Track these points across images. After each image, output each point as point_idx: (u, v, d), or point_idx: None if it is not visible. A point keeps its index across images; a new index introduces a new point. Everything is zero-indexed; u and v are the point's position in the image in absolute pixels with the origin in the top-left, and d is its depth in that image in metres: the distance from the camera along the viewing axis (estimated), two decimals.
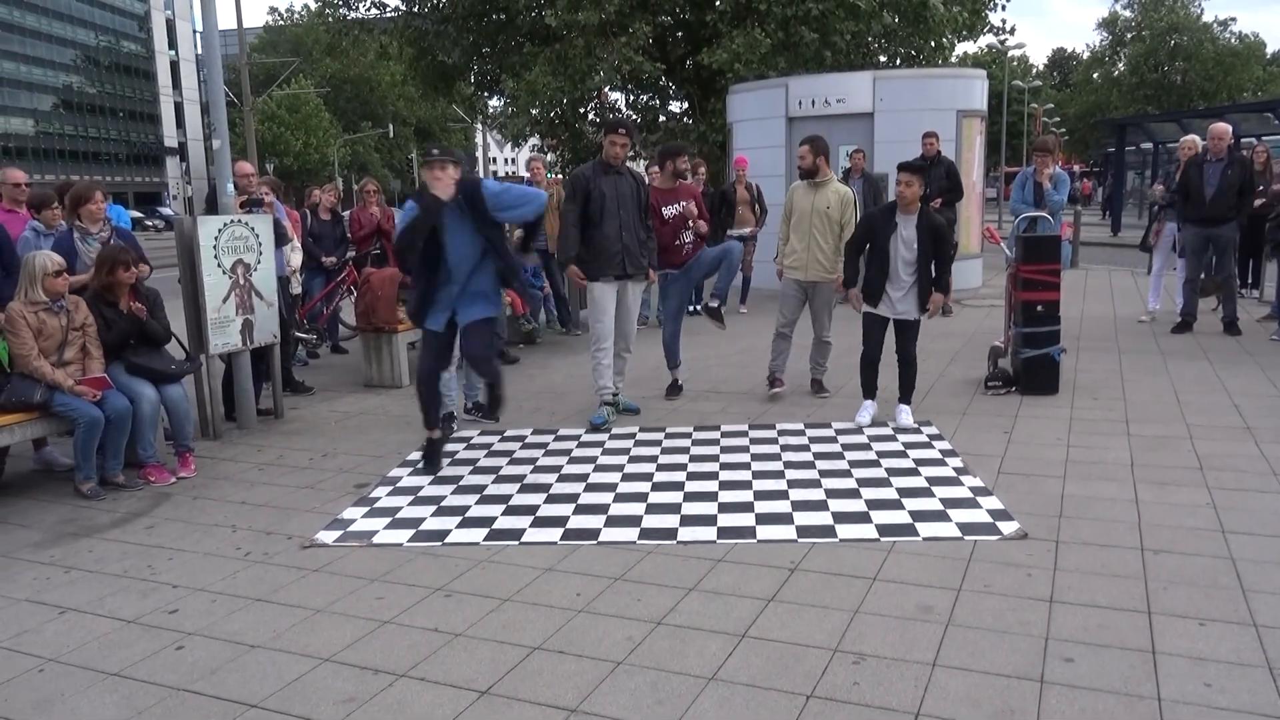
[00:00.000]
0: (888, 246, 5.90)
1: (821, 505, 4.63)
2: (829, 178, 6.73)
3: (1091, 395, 6.66)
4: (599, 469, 5.38)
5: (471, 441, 6.08)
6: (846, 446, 5.63)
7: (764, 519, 4.47)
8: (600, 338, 6.35)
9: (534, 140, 21.99)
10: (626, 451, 5.71)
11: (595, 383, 6.41)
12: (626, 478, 5.19)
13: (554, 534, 4.39)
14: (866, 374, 6.21)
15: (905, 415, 6.07)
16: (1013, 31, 21.65)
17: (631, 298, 6.53)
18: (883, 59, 19.71)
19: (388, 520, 4.67)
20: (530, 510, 4.73)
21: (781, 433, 5.99)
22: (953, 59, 21.16)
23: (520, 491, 5.03)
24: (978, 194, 13.21)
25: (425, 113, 65.16)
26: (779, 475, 5.13)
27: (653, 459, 5.53)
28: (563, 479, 5.22)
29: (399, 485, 5.23)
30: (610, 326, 6.38)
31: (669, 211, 6.79)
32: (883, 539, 4.17)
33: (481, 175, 5.93)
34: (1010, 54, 43.67)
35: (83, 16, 70.32)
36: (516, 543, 4.31)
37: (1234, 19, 78.07)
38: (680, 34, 19.45)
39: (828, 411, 6.45)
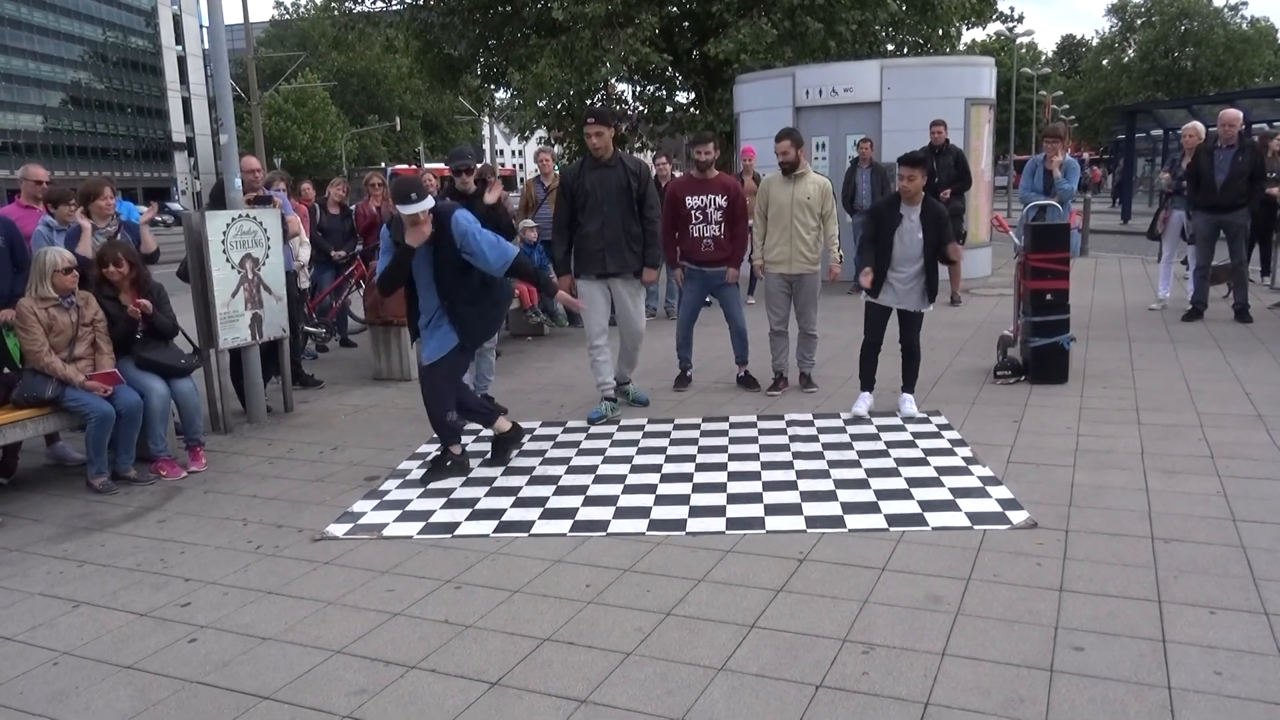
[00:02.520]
0: (892, 238, 5.91)
1: (830, 495, 4.63)
2: (805, 169, 6.63)
3: (1101, 384, 6.63)
4: (607, 460, 5.38)
5: (480, 434, 6.09)
6: (855, 437, 5.63)
7: (773, 510, 4.47)
8: (593, 335, 6.32)
9: (541, 132, 21.98)
10: (635, 443, 5.71)
11: (595, 379, 6.43)
12: (635, 469, 5.20)
13: (563, 526, 4.40)
14: (866, 364, 6.21)
15: (909, 404, 6.08)
16: (1021, 19, 21.73)
17: (627, 297, 6.38)
18: (890, 47, 19.63)
19: (398, 513, 4.69)
20: (539, 502, 4.74)
21: (790, 423, 5.99)
22: (960, 47, 21.05)
23: (529, 484, 5.04)
24: (986, 182, 13.15)
25: (432, 105, 65.17)
26: (788, 466, 5.13)
27: (661, 450, 5.53)
28: (571, 471, 5.23)
29: (409, 478, 5.25)
30: (600, 323, 6.32)
31: (691, 203, 6.70)
32: (892, 529, 4.17)
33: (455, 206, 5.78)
34: (1019, 41, 43.40)
35: (90, 13, 70.46)
36: (526, 535, 4.32)
37: (1245, 3, 77.28)
38: (687, 24, 19.39)
39: (836, 402, 6.44)
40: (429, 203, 4.87)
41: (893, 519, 4.28)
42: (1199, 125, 9.54)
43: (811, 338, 6.84)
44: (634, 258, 6.26)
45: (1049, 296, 6.69)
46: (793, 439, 5.64)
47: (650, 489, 4.86)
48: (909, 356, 6.11)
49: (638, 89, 21.22)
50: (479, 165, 6.93)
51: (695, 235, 6.74)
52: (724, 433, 5.85)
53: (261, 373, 6.64)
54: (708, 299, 7.28)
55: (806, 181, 6.58)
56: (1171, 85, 57.56)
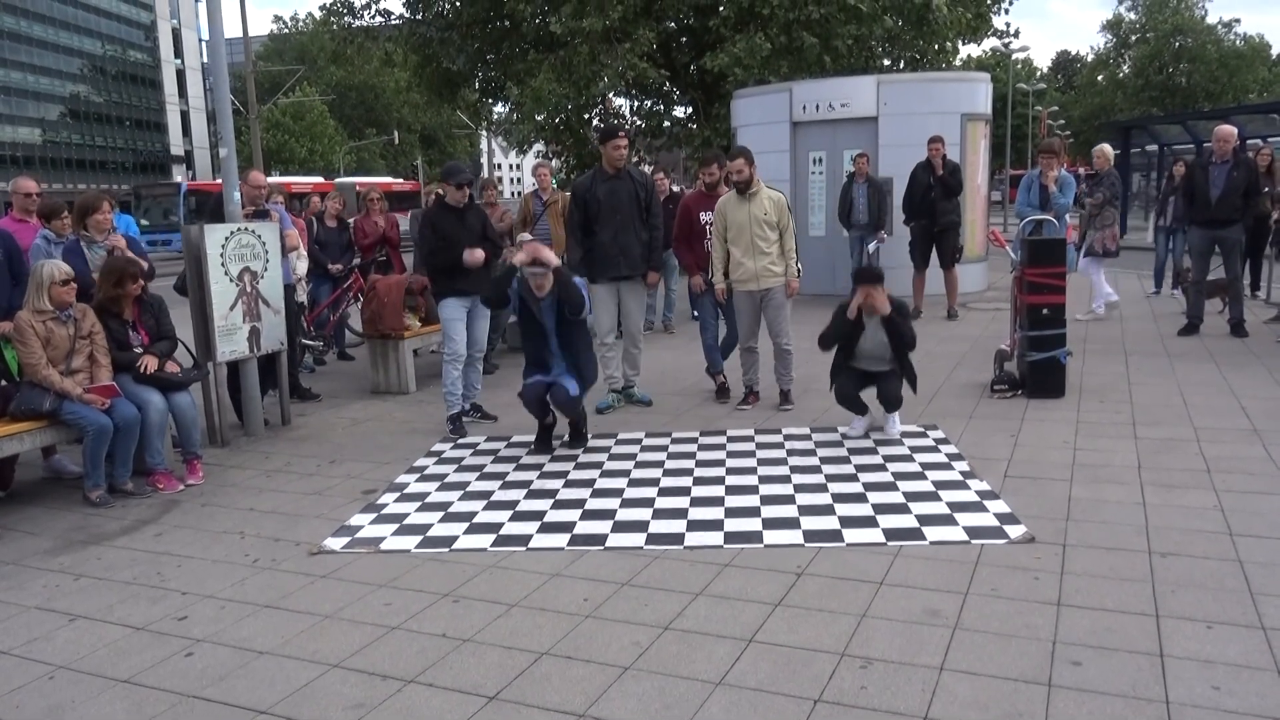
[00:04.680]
0: (854, 346, 5.92)
1: (828, 510, 4.63)
2: (759, 186, 6.58)
3: (1098, 398, 6.65)
4: (605, 474, 5.38)
5: (478, 447, 6.09)
6: (853, 451, 5.63)
7: (770, 524, 4.47)
8: (602, 333, 6.87)
9: (539, 146, 22.06)
10: (633, 456, 5.71)
11: (602, 372, 6.70)
12: (633, 483, 5.20)
13: (561, 539, 4.40)
14: (847, 406, 6.00)
15: (895, 425, 5.92)
16: (1017, 33, 21.72)
17: (632, 299, 6.90)
18: (886, 63, 19.73)
19: (395, 526, 4.68)
20: (537, 516, 4.74)
21: (787, 437, 5.99)
22: (956, 62, 21.16)
23: (527, 497, 5.04)
24: (982, 197, 13.20)
25: (430, 119, 65.29)
26: (785, 480, 5.13)
27: (659, 464, 5.54)
28: (569, 484, 5.23)
29: (406, 491, 5.24)
30: (609, 323, 6.89)
31: (705, 219, 7.01)
32: (889, 543, 4.17)
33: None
34: (1014, 57, 43.64)
35: (89, 26, 70.58)
36: (524, 548, 4.32)
37: (1238, 20, 78.08)
38: (684, 39, 19.50)
39: (833, 416, 6.44)
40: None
41: (890, 533, 4.28)
42: (1106, 148, 10.36)
43: (786, 352, 6.68)
44: (643, 262, 6.82)
45: (1045, 311, 6.71)
46: (790, 453, 5.64)
47: (648, 503, 4.86)
48: (889, 405, 5.93)
49: (635, 103, 21.32)
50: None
51: (708, 249, 7.01)
52: (721, 446, 5.85)
53: (259, 386, 6.64)
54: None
55: (762, 198, 6.54)
56: (1166, 101, 57.88)
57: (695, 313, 7.56)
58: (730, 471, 5.32)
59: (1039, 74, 67.82)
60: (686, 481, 5.18)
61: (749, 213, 6.53)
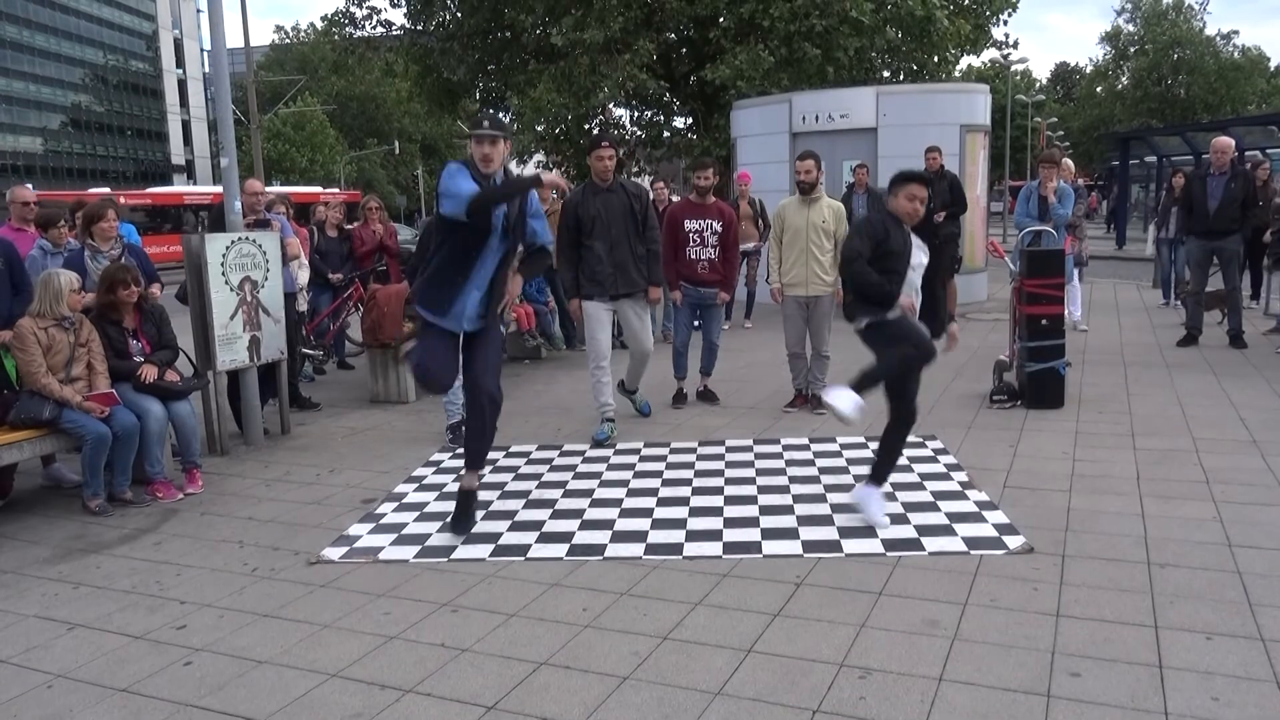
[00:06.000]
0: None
1: (827, 520, 4.63)
2: (821, 193, 6.75)
3: (1097, 409, 6.65)
4: (604, 484, 5.38)
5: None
6: (851, 461, 5.64)
7: (769, 534, 4.47)
8: (598, 356, 6.33)
9: (539, 156, 22.12)
10: (631, 467, 5.71)
11: (596, 400, 6.41)
12: (632, 493, 5.20)
13: (560, 549, 4.40)
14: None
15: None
16: (1016, 44, 21.78)
17: (634, 317, 6.43)
18: (886, 74, 19.81)
19: (394, 536, 4.68)
20: (536, 526, 4.73)
21: (786, 447, 6.00)
22: (956, 74, 21.24)
23: (526, 507, 5.04)
24: (981, 208, 13.24)
25: (431, 129, 65.45)
26: (784, 490, 5.13)
27: (658, 474, 5.54)
28: (568, 494, 5.22)
29: (405, 501, 5.24)
30: (606, 345, 6.35)
31: (690, 226, 6.96)
32: (888, 553, 4.17)
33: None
34: (1013, 68, 43.77)
35: (91, 36, 70.82)
36: (522, 558, 4.32)
37: (1236, 32, 78.11)
38: (684, 50, 19.58)
39: (832, 426, 6.45)
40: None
41: (889, 543, 4.28)
42: (1068, 163, 10.46)
43: (824, 359, 6.88)
44: (640, 278, 6.33)
45: (1044, 322, 6.72)
46: (789, 463, 5.65)
47: (647, 513, 4.86)
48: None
49: (635, 114, 21.39)
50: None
51: (692, 257, 6.96)
52: (720, 456, 5.85)
53: (259, 395, 6.64)
54: (696, 322, 7.37)
55: (822, 205, 6.69)
56: (1165, 112, 57.99)
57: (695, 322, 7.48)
58: (729, 481, 5.32)
59: (1038, 85, 67.88)
60: (685, 491, 5.18)
61: (808, 218, 6.64)
